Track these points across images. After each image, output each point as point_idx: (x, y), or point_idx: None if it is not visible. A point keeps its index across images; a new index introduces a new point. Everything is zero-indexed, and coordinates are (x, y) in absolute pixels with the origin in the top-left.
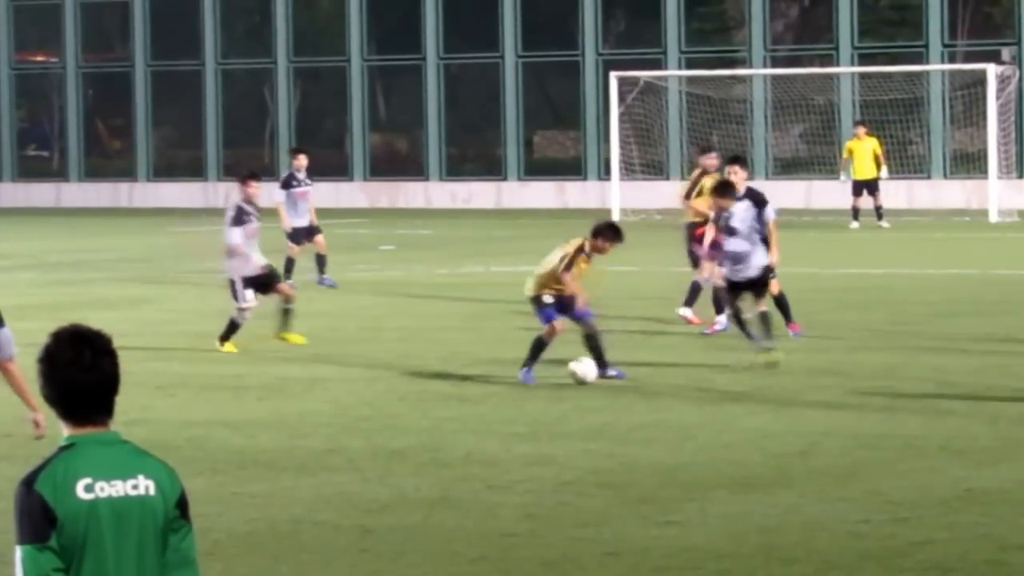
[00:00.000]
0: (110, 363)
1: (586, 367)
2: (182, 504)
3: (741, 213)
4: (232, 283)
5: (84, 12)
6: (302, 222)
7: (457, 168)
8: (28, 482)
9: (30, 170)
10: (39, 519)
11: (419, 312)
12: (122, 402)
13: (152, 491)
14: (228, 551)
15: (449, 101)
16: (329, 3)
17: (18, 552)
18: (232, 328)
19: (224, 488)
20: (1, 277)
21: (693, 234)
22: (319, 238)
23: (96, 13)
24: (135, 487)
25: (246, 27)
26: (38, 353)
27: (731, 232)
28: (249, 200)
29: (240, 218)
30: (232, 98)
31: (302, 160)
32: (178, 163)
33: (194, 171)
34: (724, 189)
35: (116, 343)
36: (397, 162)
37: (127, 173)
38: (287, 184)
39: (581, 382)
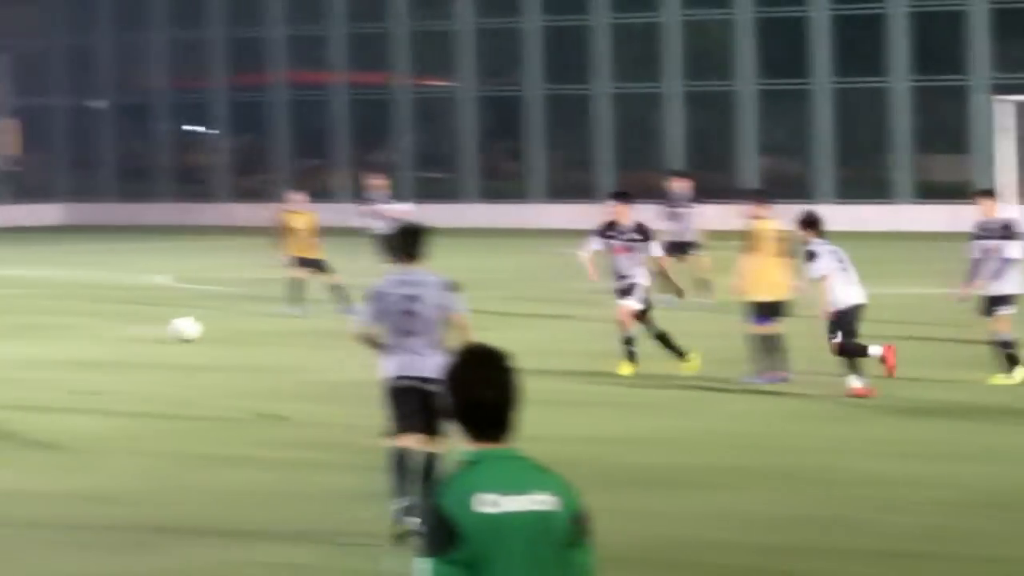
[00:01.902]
0: (511, 380)
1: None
2: (581, 519)
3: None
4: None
5: (480, 38)
6: (679, 240)
7: (847, 190)
8: (433, 497)
9: (429, 191)
10: (443, 533)
11: (807, 332)
12: (521, 418)
13: (552, 506)
14: (623, 568)
15: (839, 124)
16: (719, 29)
17: (421, 565)
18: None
19: (619, 504)
20: None
21: None
22: (696, 258)
23: (492, 39)
24: (535, 502)
25: (637, 52)
26: (444, 371)
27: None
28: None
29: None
30: (623, 122)
31: (678, 184)
32: (570, 185)
33: (585, 193)
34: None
35: (514, 360)
36: (786, 185)
37: (521, 194)
38: (664, 205)
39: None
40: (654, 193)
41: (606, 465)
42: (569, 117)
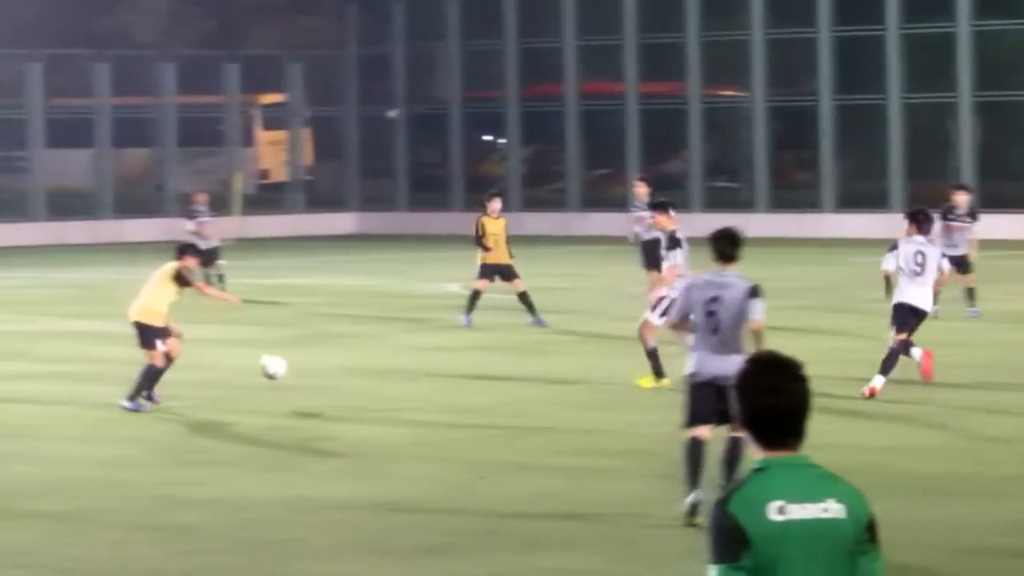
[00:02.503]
0: (803, 389)
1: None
2: (871, 527)
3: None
4: None
5: (772, 48)
6: (953, 253)
7: None
8: (721, 503)
9: (718, 200)
10: (731, 540)
11: None
12: (809, 426)
13: (842, 514)
14: (911, 575)
15: None
16: (1011, 38)
17: (711, 572)
18: None
19: (903, 513)
20: None
21: None
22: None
23: (784, 49)
24: (825, 510)
25: (929, 61)
26: (734, 379)
27: None
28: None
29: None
30: (915, 131)
31: (960, 197)
32: (861, 195)
33: (877, 203)
34: None
35: (805, 369)
36: None
37: (812, 204)
38: (944, 216)
39: (270, 376)
40: (943, 204)
41: (891, 474)
42: (860, 127)
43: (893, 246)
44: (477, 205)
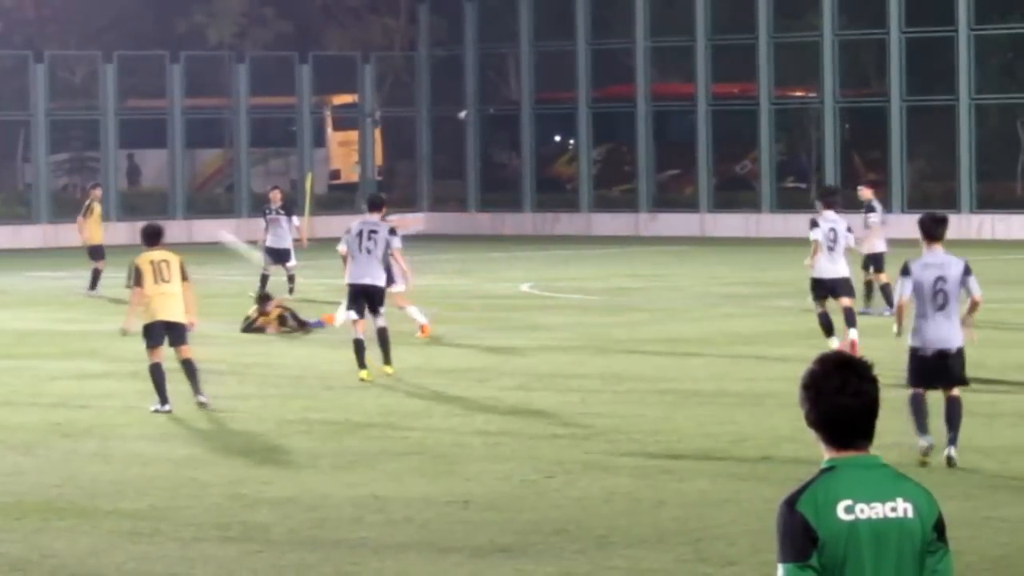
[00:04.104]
0: (872, 389)
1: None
2: (939, 526)
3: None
4: None
5: (842, 49)
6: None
7: None
8: (790, 503)
9: (787, 201)
10: (801, 539)
11: None
12: (877, 426)
13: (910, 514)
14: (980, 574)
15: None
16: None
17: (780, 571)
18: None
19: (976, 512)
20: (760, 303)
21: None
22: None
23: (854, 50)
24: (894, 509)
25: (997, 63)
26: (802, 379)
27: None
28: None
29: None
30: (985, 132)
31: (863, 192)
32: (931, 195)
33: (947, 203)
34: None
35: (875, 369)
36: None
37: (882, 205)
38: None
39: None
40: (1017, 203)
41: (965, 473)
42: (931, 128)
43: (814, 222)
44: (548, 206)
